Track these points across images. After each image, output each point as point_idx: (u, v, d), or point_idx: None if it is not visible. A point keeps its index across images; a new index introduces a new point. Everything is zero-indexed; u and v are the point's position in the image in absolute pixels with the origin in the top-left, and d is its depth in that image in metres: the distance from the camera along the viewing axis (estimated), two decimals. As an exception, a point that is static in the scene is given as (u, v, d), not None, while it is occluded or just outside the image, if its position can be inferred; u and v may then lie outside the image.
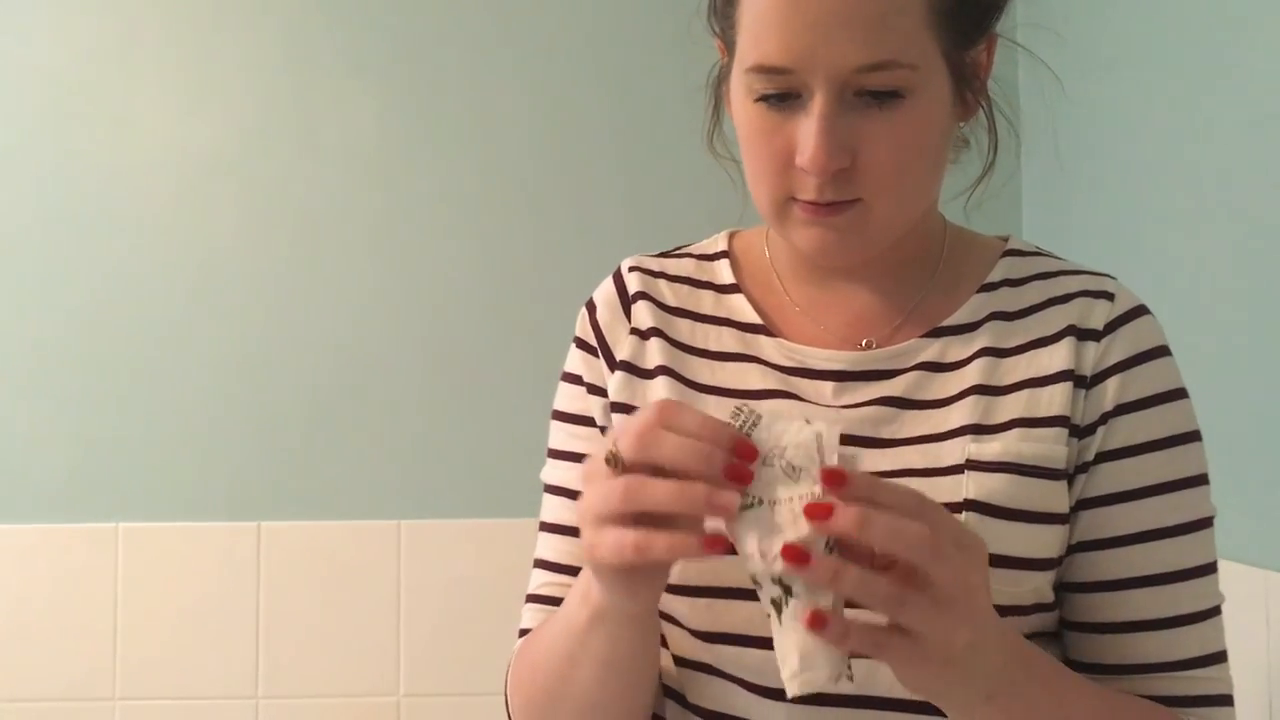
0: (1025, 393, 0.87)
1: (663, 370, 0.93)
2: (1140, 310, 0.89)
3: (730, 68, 0.89)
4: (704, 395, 0.91)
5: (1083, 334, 0.87)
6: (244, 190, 2.10)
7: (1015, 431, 0.85)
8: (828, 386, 0.90)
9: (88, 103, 2.09)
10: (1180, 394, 0.88)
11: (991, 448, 0.84)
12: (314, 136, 2.11)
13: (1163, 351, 0.88)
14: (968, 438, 0.85)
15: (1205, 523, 0.87)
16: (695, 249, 1.02)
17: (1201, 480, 0.87)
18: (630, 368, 0.94)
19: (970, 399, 0.87)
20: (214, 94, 2.11)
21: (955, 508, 0.82)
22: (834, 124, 0.81)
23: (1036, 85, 2.10)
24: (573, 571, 0.94)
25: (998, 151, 0.94)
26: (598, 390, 0.95)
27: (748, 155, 0.87)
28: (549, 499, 0.97)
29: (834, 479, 0.67)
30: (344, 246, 2.10)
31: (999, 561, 0.81)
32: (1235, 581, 1.33)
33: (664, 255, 1.02)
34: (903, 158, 0.83)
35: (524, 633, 0.96)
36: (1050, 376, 0.87)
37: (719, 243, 1.01)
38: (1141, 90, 1.65)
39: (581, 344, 0.98)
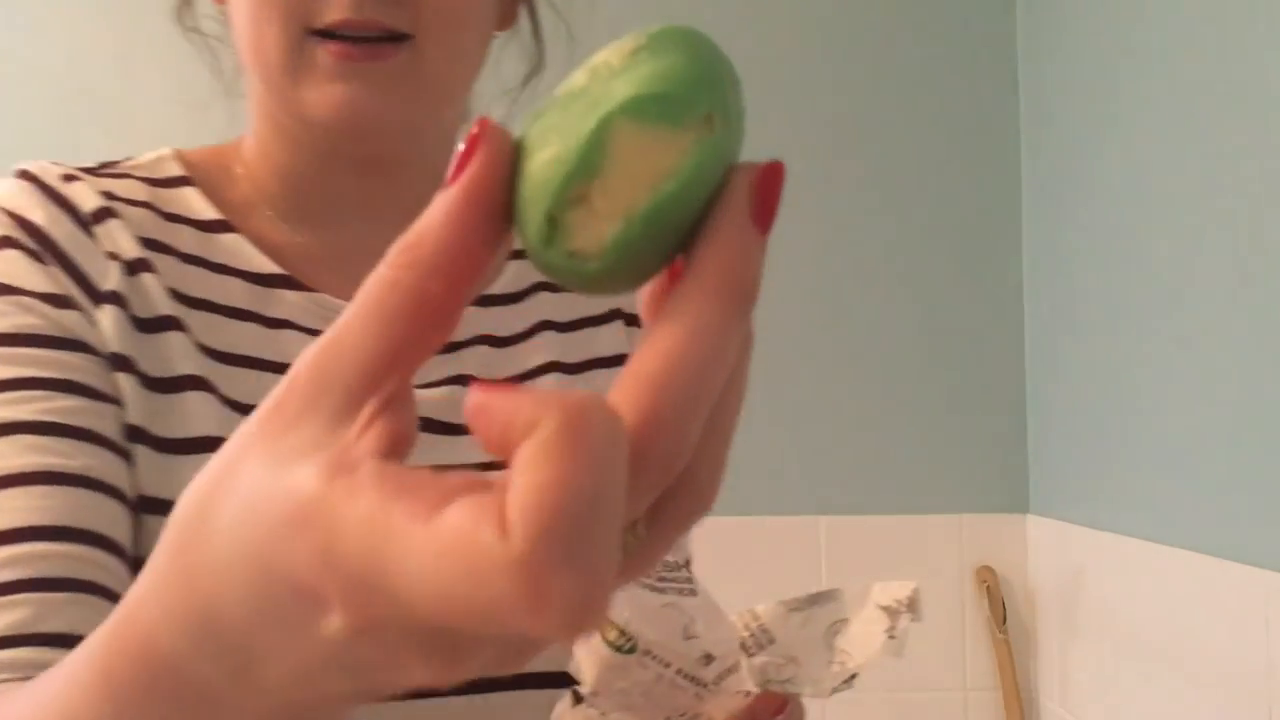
0: (597, 372, 0.81)
1: (170, 323, 0.67)
2: None
3: None
4: (234, 368, 0.68)
5: (629, 319, 0.85)
6: (245, 190, 2.10)
7: None
8: None
9: (90, 104, 2.09)
10: None
11: None
12: (315, 137, 2.11)
13: None
14: None
15: None
16: (135, 169, 0.74)
17: None
18: (122, 303, 0.66)
19: (550, 377, 0.79)
20: (216, 95, 2.11)
21: None
22: None
23: (1038, 86, 2.11)
24: (73, 535, 0.59)
25: (544, 51, 0.88)
26: (74, 305, 0.65)
27: None
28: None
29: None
30: (345, 247, 2.11)
31: None
32: (1235, 581, 1.33)
33: (93, 172, 0.72)
34: None
35: None
36: (610, 358, 0.83)
37: (168, 165, 0.76)
38: (1143, 92, 1.65)
39: (18, 245, 0.65)
